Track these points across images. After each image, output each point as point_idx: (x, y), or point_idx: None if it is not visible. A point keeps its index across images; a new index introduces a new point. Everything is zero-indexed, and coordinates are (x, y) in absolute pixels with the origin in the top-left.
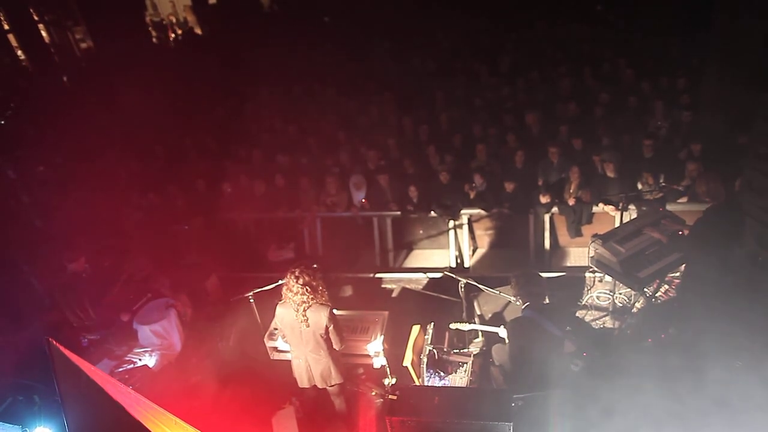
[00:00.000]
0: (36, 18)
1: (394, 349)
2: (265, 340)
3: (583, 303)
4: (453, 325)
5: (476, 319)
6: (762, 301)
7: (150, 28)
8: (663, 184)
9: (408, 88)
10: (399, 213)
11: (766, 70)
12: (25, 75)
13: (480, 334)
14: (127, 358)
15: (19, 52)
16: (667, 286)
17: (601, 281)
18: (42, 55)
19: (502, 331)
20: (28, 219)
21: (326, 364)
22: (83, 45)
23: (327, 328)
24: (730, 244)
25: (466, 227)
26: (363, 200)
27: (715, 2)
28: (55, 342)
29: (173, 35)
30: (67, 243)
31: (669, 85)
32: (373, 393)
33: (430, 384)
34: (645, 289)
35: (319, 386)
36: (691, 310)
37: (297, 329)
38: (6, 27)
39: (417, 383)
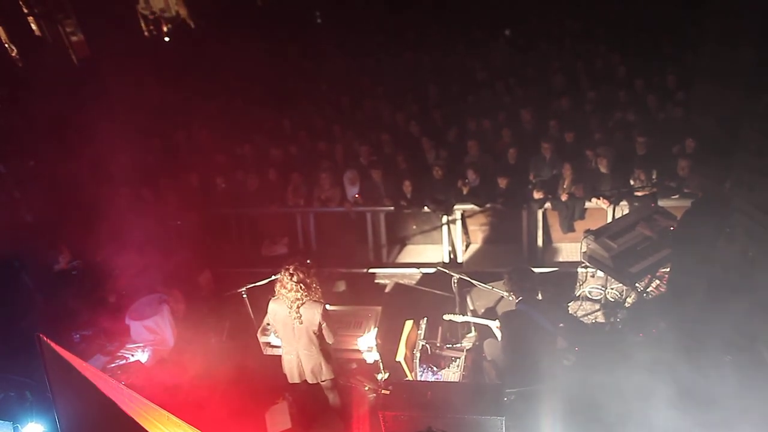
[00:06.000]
0: (26, 11)
1: (387, 344)
2: (258, 335)
3: (576, 298)
4: (446, 317)
5: (469, 314)
6: (751, 295)
7: (142, 22)
8: (655, 180)
9: (401, 84)
10: (392, 208)
11: (757, 68)
12: (15, 68)
13: (473, 329)
14: (119, 354)
15: (9, 46)
16: (658, 281)
17: (593, 276)
18: (32, 49)
19: (495, 326)
20: (19, 214)
21: (317, 360)
22: (74, 38)
23: (320, 324)
24: (714, 236)
25: (459, 222)
26: (356, 195)
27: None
28: (46, 338)
29: (165, 29)
30: (58, 239)
31: (660, 82)
32: (367, 388)
33: (422, 379)
34: (636, 284)
35: (310, 381)
36: (680, 304)
37: (290, 325)
38: None
39: (410, 378)
